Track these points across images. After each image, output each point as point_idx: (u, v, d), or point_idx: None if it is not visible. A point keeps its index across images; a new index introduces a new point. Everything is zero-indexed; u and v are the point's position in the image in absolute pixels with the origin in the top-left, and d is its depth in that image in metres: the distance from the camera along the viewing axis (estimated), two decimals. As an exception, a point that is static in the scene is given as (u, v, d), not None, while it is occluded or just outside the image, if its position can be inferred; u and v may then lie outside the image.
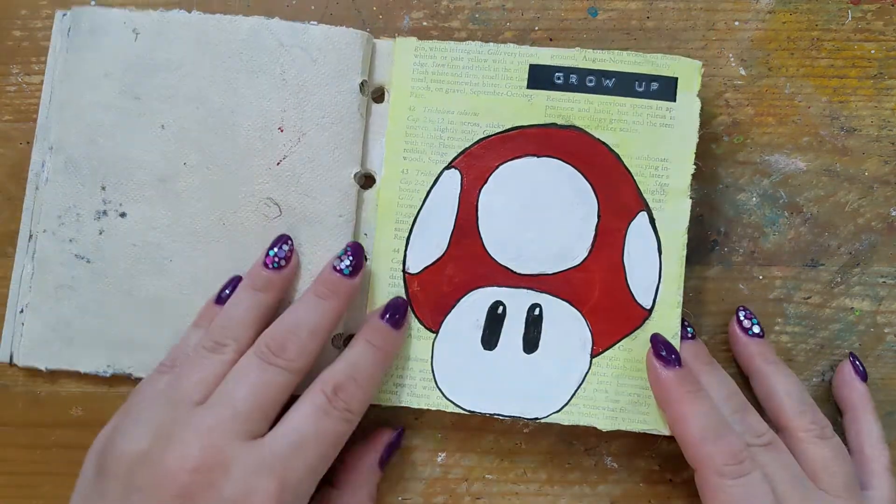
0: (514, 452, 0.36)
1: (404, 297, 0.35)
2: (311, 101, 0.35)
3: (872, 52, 0.37)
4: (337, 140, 0.35)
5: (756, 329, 0.35)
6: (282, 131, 0.35)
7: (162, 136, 0.35)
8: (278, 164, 0.35)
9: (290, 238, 0.34)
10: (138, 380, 0.35)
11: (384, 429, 0.35)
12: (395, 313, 0.33)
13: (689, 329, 0.35)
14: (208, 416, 0.29)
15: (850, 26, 0.37)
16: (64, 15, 0.37)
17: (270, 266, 0.33)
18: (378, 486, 0.35)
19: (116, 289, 0.35)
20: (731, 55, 0.37)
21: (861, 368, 0.35)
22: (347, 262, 0.33)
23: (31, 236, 0.36)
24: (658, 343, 0.33)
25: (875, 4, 0.37)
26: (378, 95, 0.36)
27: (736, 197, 0.37)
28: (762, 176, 0.37)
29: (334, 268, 0.33)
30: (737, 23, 0.37)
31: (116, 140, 0.35)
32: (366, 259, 0.35)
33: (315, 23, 0.35)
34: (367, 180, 0.36)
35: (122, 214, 0.35)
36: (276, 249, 0.34)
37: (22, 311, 0.36)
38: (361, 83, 0.35)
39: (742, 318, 0.35)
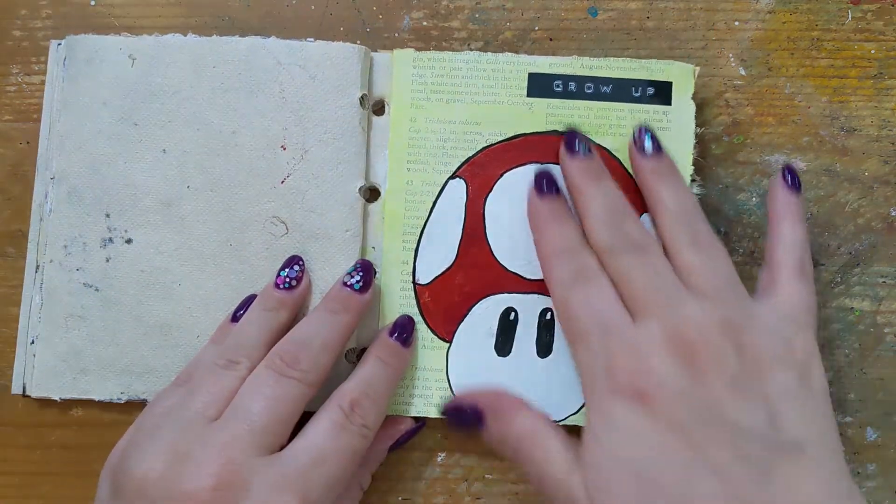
0: (515, 452, 0.36)
1: (415, 311, 0.35)
2: (312, 117, 0.35)
3: (872, 52, 0.37)
4: (340, 155, 0.35)
5: (649, 145, 0.33)
6: (284, 149, 0.35)
7: (164, 161, 0.35)
8: (282, 182, 0.35)
9: (301, 259, 0.34)
10: None
11: (404, 417, 0.35)
12: (403, 332, 0.34)
13: (581, 145, 0.33)
14: (224, 433, 0.29)
15: (850, 26, 0.37)
16: (59, 45, 0.37)
17: (281, 286, 0.33)
18: (380, 465, 0.35)
19: (126, 315, 0.35)
20: (731, 55, 0.37)
21: (794, 179, 0.33)
22: (357, 279, 0.33)
23: (38, 267, 0.36)
24: (542, 173, 0.33)
25: (875, 4, 0.37)
26: (378, 108, 0.36)
27: (736, 197, 0.37)
28: (762, 176, 0.37)
29: (344, 283, 0.33)
30: (737, 23, 0.37)
31: (118, 167, 0.35)
32: (376, 274, 0.35)
33: (312, 39, 0.35)
34: (372, 194, 0.36)
35: (129, 241, 0.35)
36: (287, 270, 0.34)
37: (33, 343, 0.35)
38: (361, 97, 0.35)
39: (636, 134, 0.33)
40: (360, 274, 0.33)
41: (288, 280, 0.34)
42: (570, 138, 0.33)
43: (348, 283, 0.33)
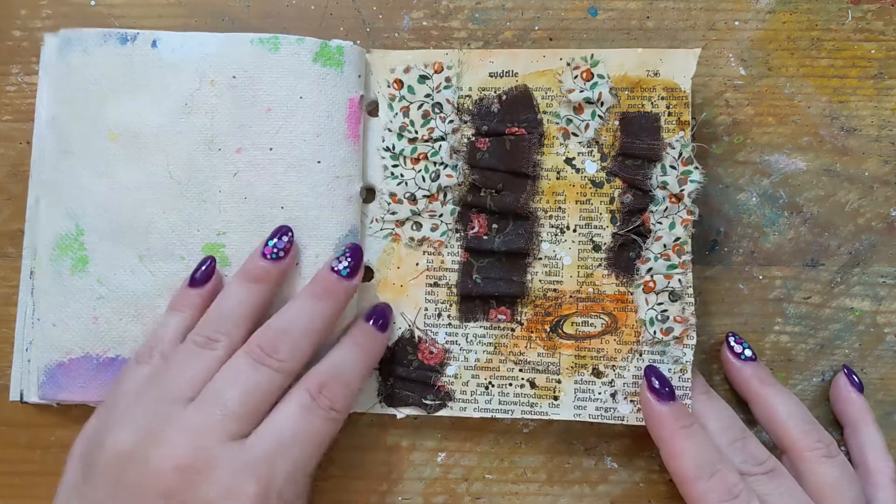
0: (514, 452, 0.36)
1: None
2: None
3: (872, 52, 0.37)
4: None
5: (748, 353, 0.34)
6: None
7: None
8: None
9: (290, 230, 0.33)
10: None
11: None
12: (381, 318, 0.34)
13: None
14: (197, 416, 0.29)
15: (850, 26, 0.37)
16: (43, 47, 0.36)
17: (268, 256, 0.33)
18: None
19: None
20: (731, 55, 0.37)
21: (857, 380, 0.35)
22: (346, 264, 0.33)
23: (31, 273, 0.36)
24: (651, 376, 0.33)
25: (875, 4, 0.37)
26: (372, 109, 0.36)
27: (736, 197, 0.37)
28: (762, 176, 0.37)
29: (332, 269, 0.33)
30: (737, 23, 0.37)
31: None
32: (364, 260, 0.34)
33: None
34: (369, 194, 0.36)
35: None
36: (275, 240, 0.33)
37: (27, 349, 0.35)
38: (359, 98, 0.35)
39: (732, 343, 0.35)
40: (349, 259, 0.33)
41: (275, 250, 0.33)
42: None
43: (336, 269, 0.32)
